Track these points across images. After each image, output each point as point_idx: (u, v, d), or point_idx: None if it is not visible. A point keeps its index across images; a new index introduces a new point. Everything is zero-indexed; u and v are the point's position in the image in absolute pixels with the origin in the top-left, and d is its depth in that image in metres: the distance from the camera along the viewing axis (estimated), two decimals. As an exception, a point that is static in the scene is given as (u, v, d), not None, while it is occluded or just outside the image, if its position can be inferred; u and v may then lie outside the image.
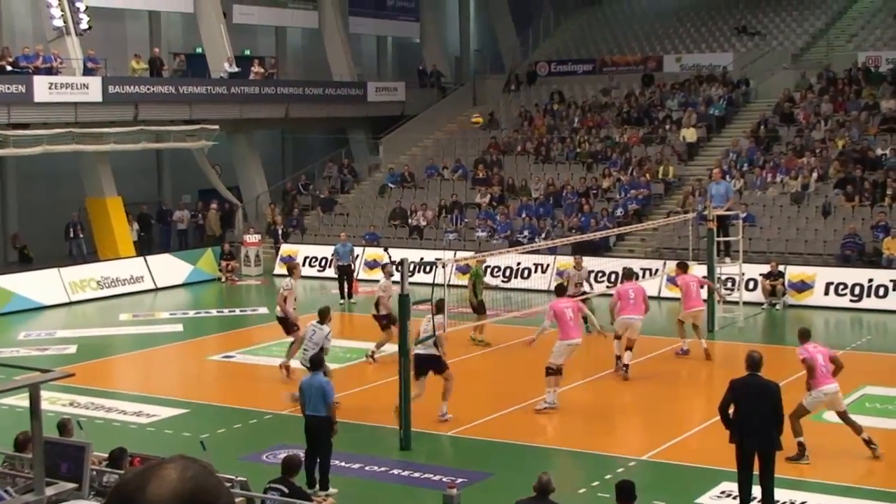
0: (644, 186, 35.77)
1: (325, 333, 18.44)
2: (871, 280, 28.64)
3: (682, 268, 23.74)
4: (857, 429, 15.83)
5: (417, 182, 40.57)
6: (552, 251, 31.16)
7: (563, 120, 42.58)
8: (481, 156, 40.88)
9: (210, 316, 30.08)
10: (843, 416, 15.97)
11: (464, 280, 30.88)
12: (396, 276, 20.82)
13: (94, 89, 34.40)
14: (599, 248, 32.44)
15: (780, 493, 13.35)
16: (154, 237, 39.34)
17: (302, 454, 13.89)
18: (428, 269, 28.39)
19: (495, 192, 37.78)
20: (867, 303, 28.29)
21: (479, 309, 24.12)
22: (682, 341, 22.95)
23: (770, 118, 38.41)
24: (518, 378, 20.86)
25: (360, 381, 21.00)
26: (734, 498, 13.56)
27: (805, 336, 16.34)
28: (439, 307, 17.92)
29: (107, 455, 12.42)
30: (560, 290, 20.44)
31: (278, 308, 21.80)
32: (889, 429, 17.46)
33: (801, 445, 15.57)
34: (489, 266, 31.85)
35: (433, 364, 17.82)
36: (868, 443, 15.70)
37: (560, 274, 23.13)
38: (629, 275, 22.85)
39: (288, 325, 21.66)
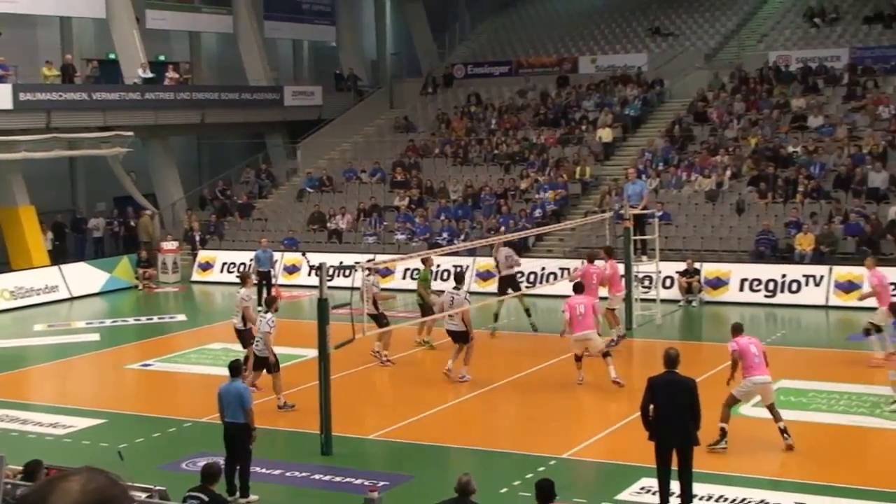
0: (561, 187, 36.01)
1: (268, 319, 18.67)
2: (784, 275, 29.12)
3: (609, 252, 24.02)
4: (777, 417, 16.14)
5: (336, 186, 40.47)
6: (471, 253, 31.25)
7: (480, 122, 42.74)
8: (399, 159, 40.89)
9: (127, 324, 29.71)
10: (771, 408, 16.26)
11: (385, 283, 30.99)
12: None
13: (4, 97, 33.86)
14: (518, 249, 32.55)
15: (698, 488, 13.50)
16: (69, 246, 38.78)
17: (221, 461, 13.78)
18: (347, 272, 28.27)
19: (414, 194, 37.81)
20: (781, 298, 28.76)
21: (427, 311, 23.88)
22: (613, 330, 23.47)
23: (684, 118, 38.89)
24: (439, 380, 20.89)
25: (283, 387, 20.84)
26: (654, 494, 13.70)
27: (738, 330, 16.66)
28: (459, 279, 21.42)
29: (22, 468, 12.22)
30: (577, 288, 20.99)
31: (238, 319, 21.17)
32: (804, 421, 17.75)
33: (722, 431, 15.88)
34: (409, 269, 31.87)
35: (461, 337, 20.49)
36: (783, 432, 15.95)
37: (480, 275, 23.14)
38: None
39: (246, 336, 21.01)
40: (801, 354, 23.41)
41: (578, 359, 20.38)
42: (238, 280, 22.97)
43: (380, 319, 21.99)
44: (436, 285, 26.43)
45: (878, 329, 21.42)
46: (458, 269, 20.80)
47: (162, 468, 15.80)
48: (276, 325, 18.98)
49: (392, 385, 21.27)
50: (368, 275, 21.93)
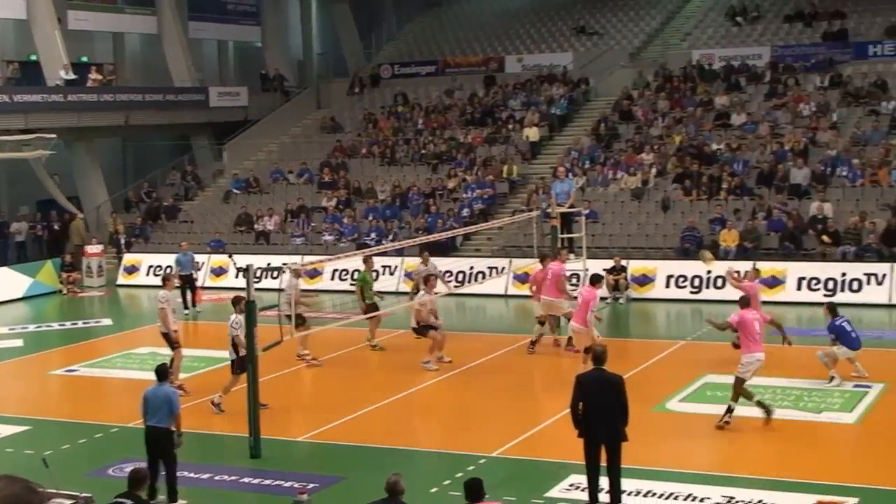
0: (489, 186, 36.12)
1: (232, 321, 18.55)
2: (709, 272, 29.42)
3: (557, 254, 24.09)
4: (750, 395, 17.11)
5: (263, 187, 40.27)
6: (400, 253, 31.24)
7: (407, 122, 42.75)
8: (326, 159, 40.77)
9: (51, 329, 29.31)
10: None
11: (313, 284, 30.92)
12: (440, 288, 22.74)
13: (-78, 99, 33.28)
14: (447, 249, 32.66)
15: (627, 483, 13.61)
16: (-10, 250, 38.19)
17: (135, 465, 13.57)
18: (275, 274, 28.15)
19: (341, 195, 37.72)
20: (706, 294, 29.10)
21: (368, 312, 23.56)
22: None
23: (610, 116, 39.20)
24: (369, 381, 20.86)
25: (209, 390, 20.71)
26: (583, 490, 13.78)
27: (745, 303, 17.66)
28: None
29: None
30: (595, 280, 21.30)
31: (161, 322, 20.97)
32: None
33: (761, 405, 16.92)
34: (337, 270, 31.81)
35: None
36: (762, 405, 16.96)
37: (409, 275, 23.09)
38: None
39: (171, 338, 20.88)
40: (726, 350, 23.62)
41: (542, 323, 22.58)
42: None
43: (296, 321, 21.68)
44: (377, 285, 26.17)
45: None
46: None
47: (89, 475, 15.61)
48: (241, 326, 18.63)
49: (322, 386, 21.20)
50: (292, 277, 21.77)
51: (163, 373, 14.75)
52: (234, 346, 18.57)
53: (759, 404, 16.95)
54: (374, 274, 25.08)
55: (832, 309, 20.21)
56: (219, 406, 18.81)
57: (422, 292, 22.28)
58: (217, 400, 18.86)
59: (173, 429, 14.25)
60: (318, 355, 22.57)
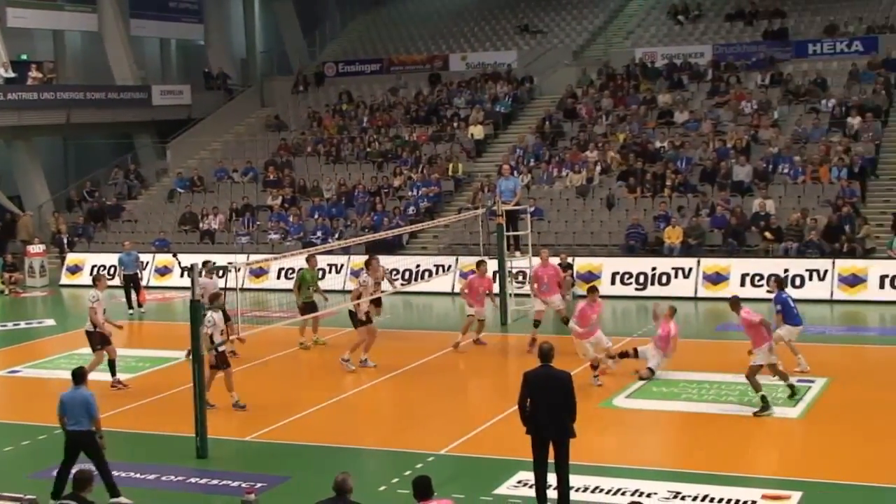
0: (434, 184, 36.14)
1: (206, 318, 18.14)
2: (654, 268, 29.67)
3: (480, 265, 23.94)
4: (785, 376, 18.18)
5: (207, 186, 40.03)
6: (346, 251, 31.19)
7: (352, 120, 42.67)
8: (271, 158, 40.61)
9: (-7, 330, 28.96)
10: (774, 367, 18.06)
11: (259, 283, 30.78)
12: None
13: None
14: (393, 247, 32.64)
15: (574, 479, 13.66)
16: (-70, 251, 37.67)
17: (93, 468, 13.46)
18: (220, 273, 27.97)
19: (287, 193, 37.59)
20: (651, 290, 29.28)
21: (305, 311, 23.41)
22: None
23: (554, 114, 39.35)
24: (316, 380, 20.79)
25: (155, 391, 20.57)
26: (531, 487, 13.82)
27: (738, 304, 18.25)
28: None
29: None
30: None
31: (89, 322, 20.79)
32: (675, 411, 18.10)
33: (763, 399, 17.49)
34: (283, 269, 31.68)
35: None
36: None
37: (367, 264, 22.84)
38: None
39: (94, 339, 20.73)
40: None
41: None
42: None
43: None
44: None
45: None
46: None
47: (32, 476, 15.44)
48: (215, 324, 18.54)
49: (267, 386, 21.08)
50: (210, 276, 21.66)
51: (79, 376, 14.57)
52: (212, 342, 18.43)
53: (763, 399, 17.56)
54: (319, 272, 24.95)
55: (779, 282, 20.49)
56: (239, 404, 18.88)
57: (363, 276, 21.85)
58: (235, 399, 18.91)
59: (94, 430, 14.13)
60: (263, 354, 22.45)
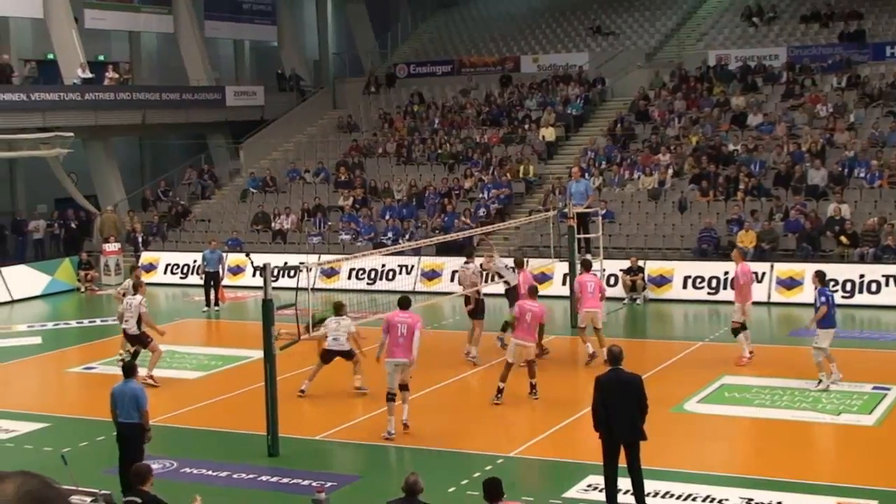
0: (505, 186, 36.11)
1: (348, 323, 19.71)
2: (726, 273, 29.28)
3: (586, 266, 23.42)
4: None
5: (279, 186, 40.33)
6: (416, 252, 31.29)
7: (423, 121, 42.76)
8: (343, 159, 40.81)
9: (69, 327, 29.40)
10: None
11: (330, 283, 30.91)
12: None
13: (-59, 98, 33.40)
14: (463, 248, 32.59)
15: (646, 484, 13.58)
16: (9, 248, 38.32)
17: (152, 463, 13.59)
18: (292, 273, 28.20)
19: (358, 194, 37.74)
20: (724, 295, 28.93)
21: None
22: (587, 344, 22.36)
23: (626, 116, 39.14)
24: (384, 380, 20.82)
25: (227, 389, 20.78)
26: (601, 490, 13.77)
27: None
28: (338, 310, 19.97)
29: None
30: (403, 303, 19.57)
31: (133, 325, 21.17)
32: (748, 417, 17.94)
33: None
34: (354, 269, 31.80)
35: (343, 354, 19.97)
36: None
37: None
38: (587, 266, 22.86)
39: (143, 338, 21.23)
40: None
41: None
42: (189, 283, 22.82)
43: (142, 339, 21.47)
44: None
45: (744, 327, 21.56)
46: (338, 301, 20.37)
47: (106, 472, 15.63)
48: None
49: (339, 385, 21.18)
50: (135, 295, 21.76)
51: (129, 370, 14.83)
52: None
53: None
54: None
55: (821, 277, 19.98)
56: (362, 388, 19.80)
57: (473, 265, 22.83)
58: (358, 383, 19.87)
59: (148, 425, 14.33)
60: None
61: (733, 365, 21.26)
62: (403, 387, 17.23)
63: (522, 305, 19.31)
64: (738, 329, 21.50)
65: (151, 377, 20.95)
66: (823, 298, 19.25)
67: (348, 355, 19.98)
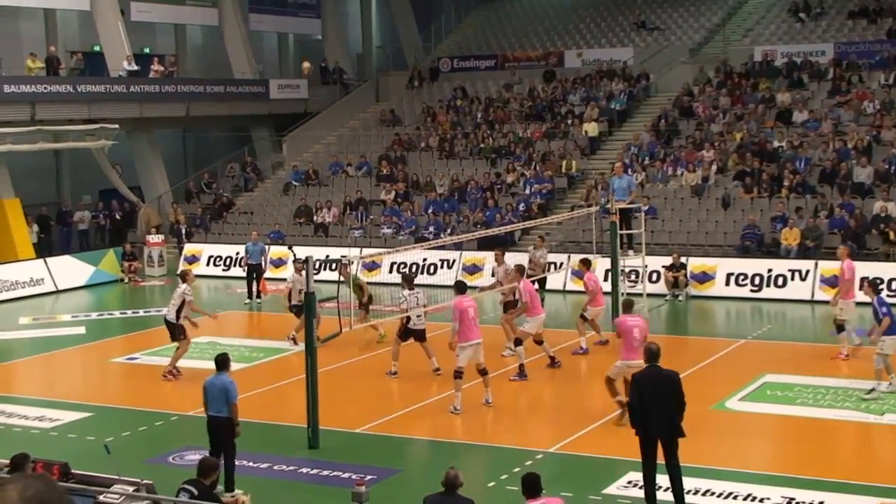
0: (547, 181, 36.03)
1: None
2: (770, 270, 29.18)
3: (586, 264, 23.80)
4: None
5: (322, 179, 40.44)
6: (458, 247, 31.28)
7: (466, 116, 42.74)
8: (385, 152, 40.86)
9: (113, 317, 29.65)
10: None
11: (371, 277, 30.96)
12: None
13: (-12, 89, 33.72)
14: (505, 243, 32.56)
15: (685, 482, 13.52)
16: (54, 239, 38.67)
17: (193, 453, 13.70)
18: (333, 266, 28.29)
19: (400, 188, 37.79)
20: (767, 292, 28.82)
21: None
22: (582, 338, 22.94)
23: (670, 112, 38.94)
24: (425, 374, 20.88)
25: (268, 380, 20.88)
26: (640, 487, 13.73)
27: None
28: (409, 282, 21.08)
29: (8, 461, 12.18)
30: (460, 288, 19.58)
31: (173, 312, 21.44)
32: (790, 415, 17.81)
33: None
34: (396, 263, 31.83)
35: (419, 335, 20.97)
36: None
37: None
38: (629, 306, 18.47)
39: (178, 330, 21.47)
40: (787, 349, 23.47)
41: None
42: (223, 274, 23.08)
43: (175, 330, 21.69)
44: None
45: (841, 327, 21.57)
46: (405, 272, 20.85)
47: (149, 462, 15.78)
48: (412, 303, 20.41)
49: (379, 378, 21.24)
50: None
51: (221, 362, 14.84)
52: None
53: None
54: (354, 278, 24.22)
55: (875, 287, 20.03)
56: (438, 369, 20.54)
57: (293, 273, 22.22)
58: (435, 365, 20.69)
59: (238, 419, 14.38)
60: (374, 347, 22.63)
61: (829, 360, 21.21)
62: (483, 371, 18.63)
63: (625, 322, 17.48)
64: (841, 326, 21.48)
65: (175, 369, 21.16)
66: (885, 309, 18.92)
67: (422, 336, 20.79)
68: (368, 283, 25.76)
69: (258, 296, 30.33)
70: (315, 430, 16.48)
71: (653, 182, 34.98)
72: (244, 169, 43.04)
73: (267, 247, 32.78)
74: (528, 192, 35.67)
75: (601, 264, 26.58)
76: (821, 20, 43.19)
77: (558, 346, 23.06)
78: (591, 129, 38.87)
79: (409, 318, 20.83)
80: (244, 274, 31.16)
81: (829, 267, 28.42)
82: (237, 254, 34.34)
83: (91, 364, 24.17)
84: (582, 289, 24.74)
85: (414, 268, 30.77)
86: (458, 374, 18.28)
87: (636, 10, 48.28)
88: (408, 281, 21.34)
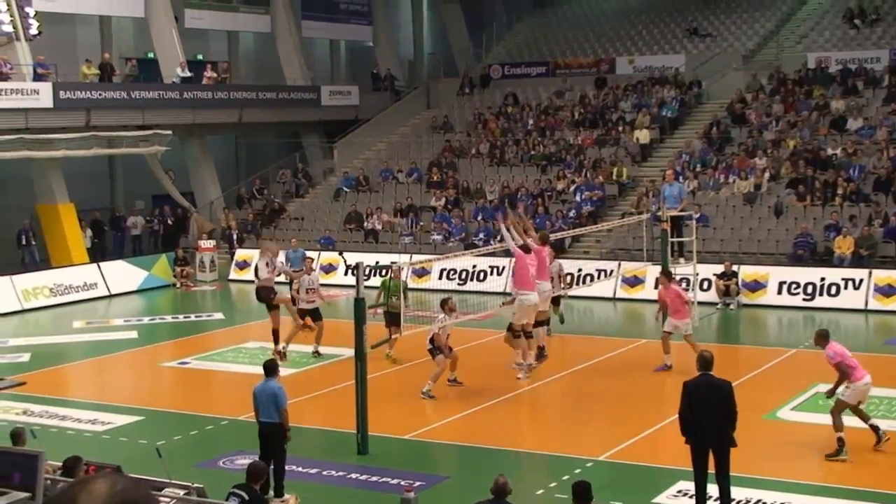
0: (598, 188, 35.91)
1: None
2: (823, 279, 28.89)
3: (668, 276, 22.99)
4: (865, 417, 16.32)
5: (372, 186, 40.54)
6: (508, 253, 31.18)
7: (516, 122, 42.70)
8: (436, 159, 40.91)
9: (165, 322, 29.86)
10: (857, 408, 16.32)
11: (421, 283, 30.96)
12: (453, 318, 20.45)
13: (44, 95, 34.12)
14: (555, 250, 32.47)
15: (736, 492, 13.43)
16: (107, 244, 39.03)
17: (243, 458, 13.77)
18: (384, 272, 28.34)
19: (450, 194, 37.81)
20: (819, 301, 28.53)
21: (387, 320, 22.62)
22: (666, 356, 21.86)
23: (722, 119, 38.69)
24: (475, 380, 20.86)
25: (316, 386, 20.95)
26: (691, 497, 13.63)
27: (825, 338, 16.29)
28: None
29: (61, 464, 12.31)
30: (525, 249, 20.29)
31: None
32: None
33: (840, 441, 15.79)
34: (445, 269, 31.78)
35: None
36: (875, 429, 16.15)
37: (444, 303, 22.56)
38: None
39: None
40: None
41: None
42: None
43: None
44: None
45: None
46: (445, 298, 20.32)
47: (199, 466, 15.87)
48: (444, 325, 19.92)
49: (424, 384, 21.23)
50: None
51: (270, 368, 14.91)
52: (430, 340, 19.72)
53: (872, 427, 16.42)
54: (403, 283, 22.75)
55: None
56: (455, 380, 20.42)
57: (441, 315, 20.10)
58: (452, 377, 20.43)
59: (289, 425, 14.44)
60: (424, 354, 22.64)
61: (834, 372, 20.85)
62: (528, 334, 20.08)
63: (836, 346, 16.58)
64: None
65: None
66: None
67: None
68: (417, 290, 25.74)
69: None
70: (364, 435, 16.51)
71: (704, 189, 34.75)
72: (295, 175, 43.24)
73: (314, 252, 32.81)
74: (578, 198, 35.56)
75: (651, 272, 26.43)
76: (876, 27, 42.75)
77: (608, 354, 22.98)
78: (643, 136, 38.71)
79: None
80: (286, 280, 31.07)
81: (883, 276, 28.15)
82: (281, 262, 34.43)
83: (143, 368, 24.36)
84: (631, 295, 24.64)
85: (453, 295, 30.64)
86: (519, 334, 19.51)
87: (688, 16, 48.03)
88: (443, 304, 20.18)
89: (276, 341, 22.94)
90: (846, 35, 42.83)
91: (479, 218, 35.73)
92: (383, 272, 28.22)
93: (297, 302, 23.87)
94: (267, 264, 22.95)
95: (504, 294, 26.10)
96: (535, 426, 18.84)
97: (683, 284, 27.59)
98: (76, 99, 35.53)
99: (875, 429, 16.19)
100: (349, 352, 18.01)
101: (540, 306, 20.53)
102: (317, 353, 23.48)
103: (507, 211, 21.92)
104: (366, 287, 17.24)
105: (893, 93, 37.36)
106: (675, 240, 26.54)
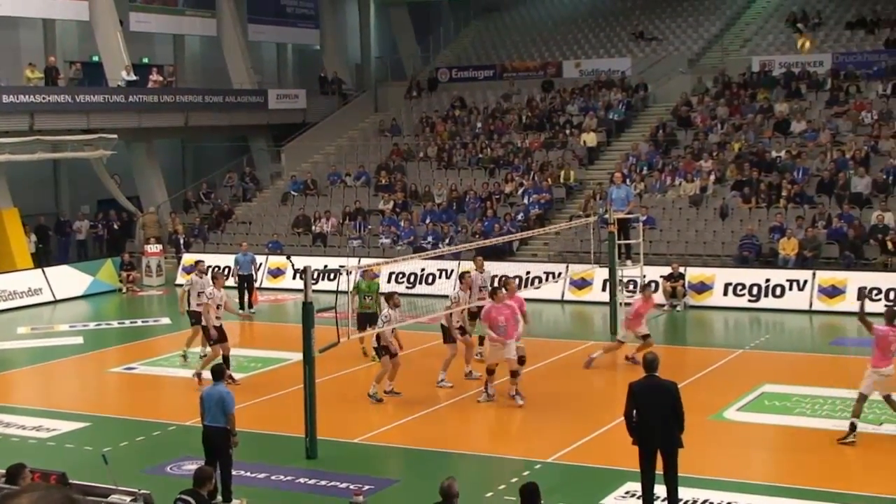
0: (546, 191, 36.04)
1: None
2: (768, 280, 29.19)
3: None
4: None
5: (320, 189, 40.45)
6: (456, 256, 31.26)
7: (464, 126, 42.76)
8: (384, 162, 40.88)
9: (111, 327, 29.63)
10: (888, 398, 16.81)
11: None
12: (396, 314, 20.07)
13: (-13, 99, 33.73)
14: (503, 253, 32.61)
15: (682, 492, 13.51)
16: (52, 248, 38.66)
17: (190, 463, 13.69)
18: (332, 276, 28.27)
19: (398, 198, 37.80)
20: (765, 302, 28.83)
21: (360, 321, 22.33)
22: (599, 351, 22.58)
23: (668, 122, 38.97)
24: (423, 384, 20.86)
25: (265, 391, 20.86)
26: (638, 498, 13.71)
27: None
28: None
29: (4, 471, 12.16)
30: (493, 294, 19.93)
31: (203, 318, 21.60)
32: (787, 425, 17.80)
33: (852, 425, 16.49)
34: (394, 272, 31.78)
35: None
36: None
37: (461, 277, 22.84)
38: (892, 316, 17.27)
39: (207, 334, 21.60)
40: (785, 359, 23.47)
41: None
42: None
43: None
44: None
45: None
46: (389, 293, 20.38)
47: (146, 472, 15.76)
48: (389, 319, 19.63)
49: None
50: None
51: (218, 372, 14.88)
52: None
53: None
54: (373, 285, 23.69)
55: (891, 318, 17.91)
56: (393, 391, 20.09)
57: (386, 311, 19.98)
58: (389, 388, 20.08)
59: (235, 430, 14.37)
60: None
61: (780, 372, 21.14)
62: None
63: (882, 329, 16.74)
64: None
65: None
66: None
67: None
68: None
69: (250, 306, 30.26)
70: (313, 439, 16.47)
71: (651, 192, 35.00)
72: (243, 179, 43.06)
73: (262, 257, 32.71)
74: (526, 202, 35.69)
75: (598, 274, 26.58)
76: (818, 30, 43.26)
77: (558, 356, 23.08)
78: (590, 139, 38.90)
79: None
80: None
81: (826, 277, 28.49)
82: (227, 266, 34.24)
83: (88, 374, 24.13)
84: (582, 298, 24.74)
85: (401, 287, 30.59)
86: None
87: (634, 20, 48.33)
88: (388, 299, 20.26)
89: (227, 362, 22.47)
90: (789, 39, 43.28)
91: (428, 221, 35.75)
92: (331, 276, 28.14)
93: (190, 305, 23.51)
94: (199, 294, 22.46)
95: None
96: (484, 429, 18.88)
97: (630, 287, 27.77)
98: (20, 103, 35.18)
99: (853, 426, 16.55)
100: (297, 356, 17.95)
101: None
102: (185, 357, 23.60)
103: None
104: (314, 291, 17.17)
105: (836, 96, 37.83)
106: (622, 242, 26.72)
